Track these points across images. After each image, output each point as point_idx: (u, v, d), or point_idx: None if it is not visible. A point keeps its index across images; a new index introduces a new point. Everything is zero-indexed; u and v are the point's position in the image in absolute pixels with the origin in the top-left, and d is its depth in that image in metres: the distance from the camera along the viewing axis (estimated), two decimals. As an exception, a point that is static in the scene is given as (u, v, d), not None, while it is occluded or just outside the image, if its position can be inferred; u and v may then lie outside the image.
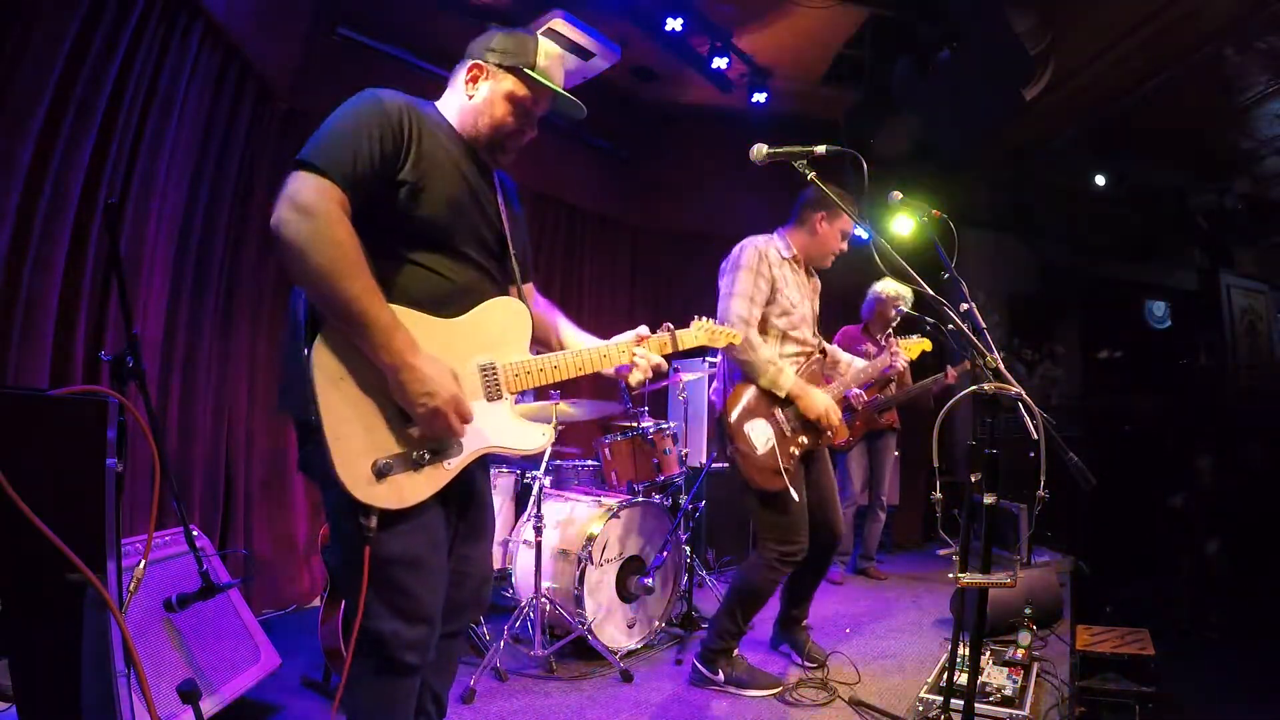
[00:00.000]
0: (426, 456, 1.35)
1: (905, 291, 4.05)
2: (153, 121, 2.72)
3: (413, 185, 1.38)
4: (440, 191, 1.42)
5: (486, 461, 1.61)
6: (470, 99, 1.53)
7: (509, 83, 1.52)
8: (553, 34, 3.74)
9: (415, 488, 1.34)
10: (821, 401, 2.53)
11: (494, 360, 1.47)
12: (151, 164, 2.74)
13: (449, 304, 1.43)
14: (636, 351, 1.64)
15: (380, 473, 1.29)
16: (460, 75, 1.55)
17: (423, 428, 1.34)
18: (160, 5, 2.67)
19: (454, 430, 1.35)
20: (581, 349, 1.63)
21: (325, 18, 3.64)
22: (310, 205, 1.24)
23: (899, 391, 4.09)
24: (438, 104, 1.56)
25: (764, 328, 2.60)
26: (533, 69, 1.51)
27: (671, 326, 1.79)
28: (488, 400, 1.46)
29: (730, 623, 2.60)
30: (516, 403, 1.54)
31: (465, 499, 1.56)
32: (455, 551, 1.54)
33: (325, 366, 1.28)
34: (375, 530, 1.29)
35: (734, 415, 2.53)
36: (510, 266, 1.62)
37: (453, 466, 1.40)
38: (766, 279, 2.57)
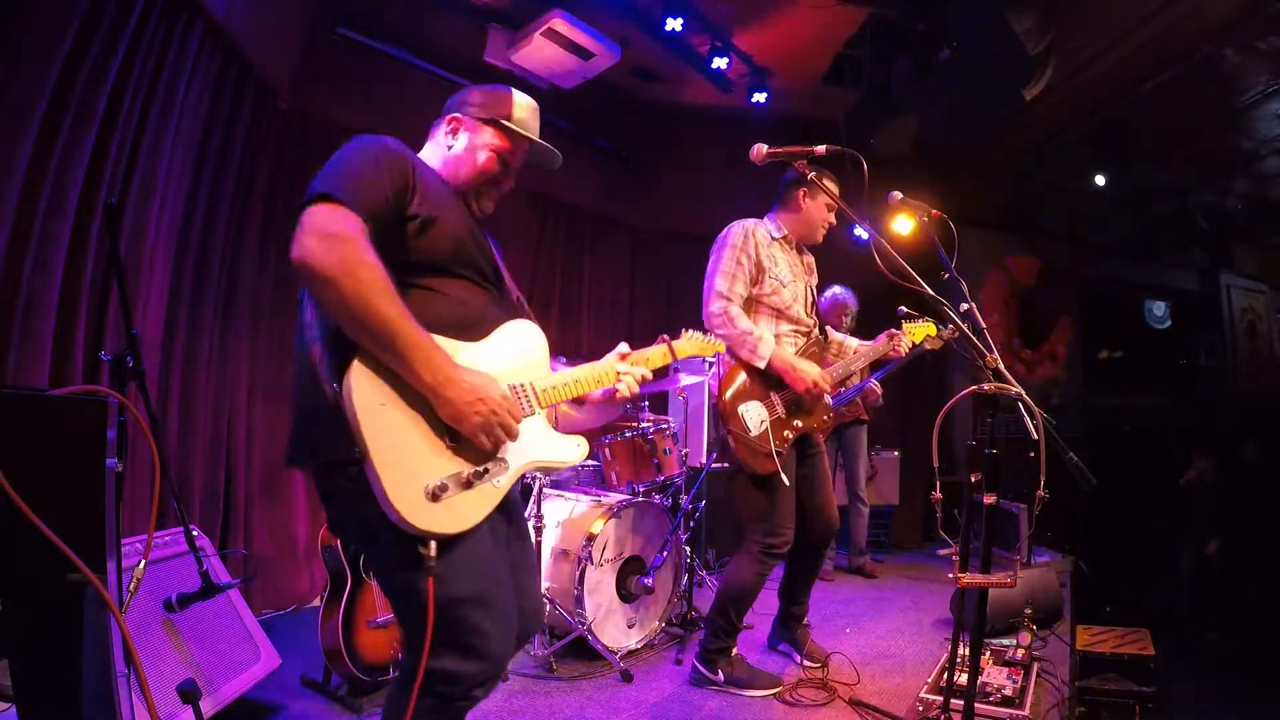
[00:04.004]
0: (477, 475, 1.33)
1: (852, 301, 4.22)
2: (153, 122, 2.72)
3: (423, 219, 1.39)
4: (447, 225, 1.44)
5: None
6: (450, 149, 1.58)
7: (487, 134, 1.57)
8: (552, 34, 3.75)
9: (471, 508, 1.32)
10: (810, 371, 2.51)
11: (523, 380, 1.48)
12: (151, 164, 2.74)
13: (469, 328, 1.44)
14: (620, 369, 1.67)
15: (435, 495, 1.25)
16: (440, 129, 1.60)
17: (476, 438, 1.31)
18: (160, 5, 2.66)
19: (510, 433, 1.34)
20: (589, 366, 1.65)
21: (325, 18, 3.64)
22: (337, 233, 1.22)
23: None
24: (419, 155, 1.57)
25: (755, 307, 2.61)
26: (509, 120, 1.57)
27: (668, 338, 1.82)
28: None
29: (724, 621, 2.60)
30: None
31: (507, 514, 1.55)
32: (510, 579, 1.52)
33: (363, 395, 1.23)
34: (436, 560, 1.24)
35: (728, 396, 2.52)
36: (509, 296, 1.64)
37: (502, 484, 1.38)
38: (751, 258, 2.58)
